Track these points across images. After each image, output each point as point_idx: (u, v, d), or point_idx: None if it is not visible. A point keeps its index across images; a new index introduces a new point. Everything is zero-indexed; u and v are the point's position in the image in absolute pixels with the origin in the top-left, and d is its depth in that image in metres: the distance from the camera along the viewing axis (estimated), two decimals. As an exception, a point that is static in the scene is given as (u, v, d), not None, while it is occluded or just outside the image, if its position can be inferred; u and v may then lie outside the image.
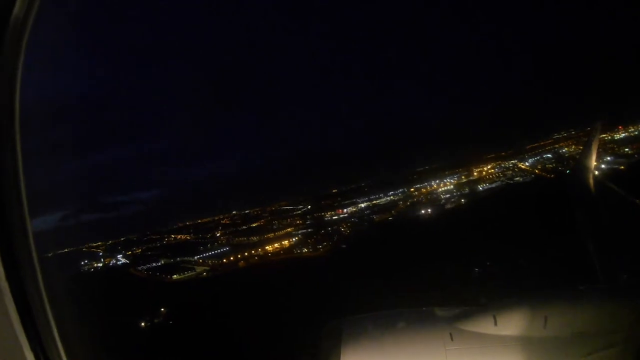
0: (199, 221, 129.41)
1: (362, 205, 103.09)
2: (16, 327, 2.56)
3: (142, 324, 52.06)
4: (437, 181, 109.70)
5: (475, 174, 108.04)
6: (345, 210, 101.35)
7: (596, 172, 12.93)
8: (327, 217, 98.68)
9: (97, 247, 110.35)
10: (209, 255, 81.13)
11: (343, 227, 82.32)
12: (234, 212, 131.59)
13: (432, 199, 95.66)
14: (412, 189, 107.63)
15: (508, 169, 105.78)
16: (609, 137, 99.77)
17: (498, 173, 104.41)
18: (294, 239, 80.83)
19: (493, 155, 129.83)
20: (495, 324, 4.60)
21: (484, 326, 4.63)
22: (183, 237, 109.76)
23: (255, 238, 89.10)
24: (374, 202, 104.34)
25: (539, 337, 4.53)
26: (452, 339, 4.52)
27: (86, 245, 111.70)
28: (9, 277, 2.58)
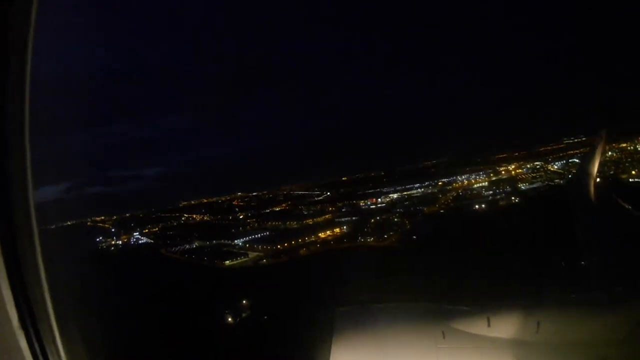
0: (205, 201, 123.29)
1: (395, 195, 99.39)
2: (10, 314, 2.47)
3: (229, 319, 44.60)
4: (464, 177, 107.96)
5: (502, 172, 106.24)
6: (379, 199, 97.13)
7: (598, 180, 12.80)
8: (362, 205, 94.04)
9: (103, 221, 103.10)
10: (251, 239, 74.14)
11: (396, 218, 76.80)
12: (239, 193, 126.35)
13: (473, 195, 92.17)
14: (440, 183, 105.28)
15: (536, 170, 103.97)
16: (632, 147, 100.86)
17: (530, 173, 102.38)
18: (344, 227, 74.65)
19: (505, 155, 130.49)
20: (489, 325, 4.54)
21: (477, 327, 4.58)
22: (198, 217, 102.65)
23: (294, 223, 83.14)
24: (405, 193, 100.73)
25: (530, 341, 4.46)
26: (444, 337, 4.45)
27: (90, 219, 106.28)
28: (6, 256, 2.49)
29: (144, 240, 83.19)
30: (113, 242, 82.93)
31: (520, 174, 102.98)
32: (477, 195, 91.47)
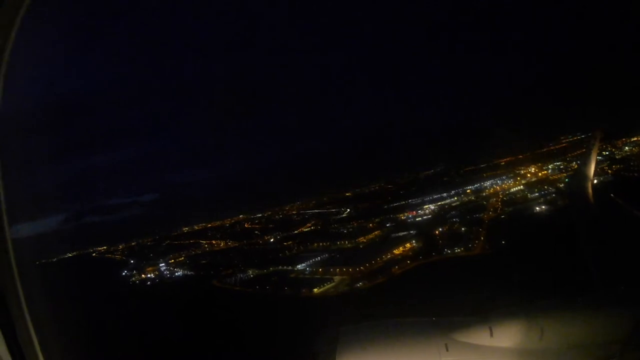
0: (209, 225, 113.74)
1: (431, 206, 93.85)
2: None
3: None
4: (488, 183, 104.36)
5: (528, 175, 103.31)
6: (419, 211, 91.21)
7: (595, 181, 12.69)
8: (404, 218, 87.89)
9: (110, 252, 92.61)
10: (313, 263, 66.90)
11: (463, 227, 71.02)
12: (241, 215, 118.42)
13: (519, 198, 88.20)
14: (468, 190, 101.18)
15: (562, 169, 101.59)
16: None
17: (558, 173, 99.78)
18: (412, 242, 68.28)
19: (512, 157, 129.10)
20: (492, 335, 4.50)
21: (480, 337, 4.52)
22: (222, 243, 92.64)
23: (346, 243, 76.19)
24: (440, 203, 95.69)
25: (535, 348, 4.44)
26: (447, 350, 4.40)
27: (93, 249, 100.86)
28: None
29: (179, 272, 72.40)
30: (144, 276, 71.79)
31: (549, 175, 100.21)
32: (525, 199, 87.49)
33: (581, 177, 12.89)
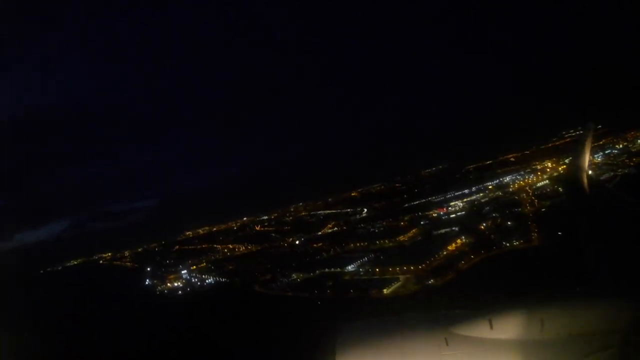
0: (215, 229, 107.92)
1: (458, 203, 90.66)
2: None
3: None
4: (507, 178, 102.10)
5: (548, 170, 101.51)
6: (449, 209, 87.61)
7: (590, 172, 12.65)
8: (436, 216, 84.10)
9: (118, 259, 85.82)
10: (361, 263, 62.93)
11: (509, 222, 67.94)
12: (245, 218, 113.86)
13: (550, 193, 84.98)
14: (489, 187, 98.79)
15: None
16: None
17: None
18: (462, 238, 64.08)
19: (519, 154, 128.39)
20: (491, 327, 4.37)
21: (480, 330, 4.39)
22: (241, 246, 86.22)
23: (387, 242, 72.36)
24: (466, 199, 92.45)
25: (535, 340, 4.35)
26: (447, 344, 4.28)
27: (100, 257, 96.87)
28: None
29: (209, 279, 65.61)
30: (169, 285, 64.85)
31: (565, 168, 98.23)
32: (557, 193, 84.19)
33: (576, 169, 12.46)
